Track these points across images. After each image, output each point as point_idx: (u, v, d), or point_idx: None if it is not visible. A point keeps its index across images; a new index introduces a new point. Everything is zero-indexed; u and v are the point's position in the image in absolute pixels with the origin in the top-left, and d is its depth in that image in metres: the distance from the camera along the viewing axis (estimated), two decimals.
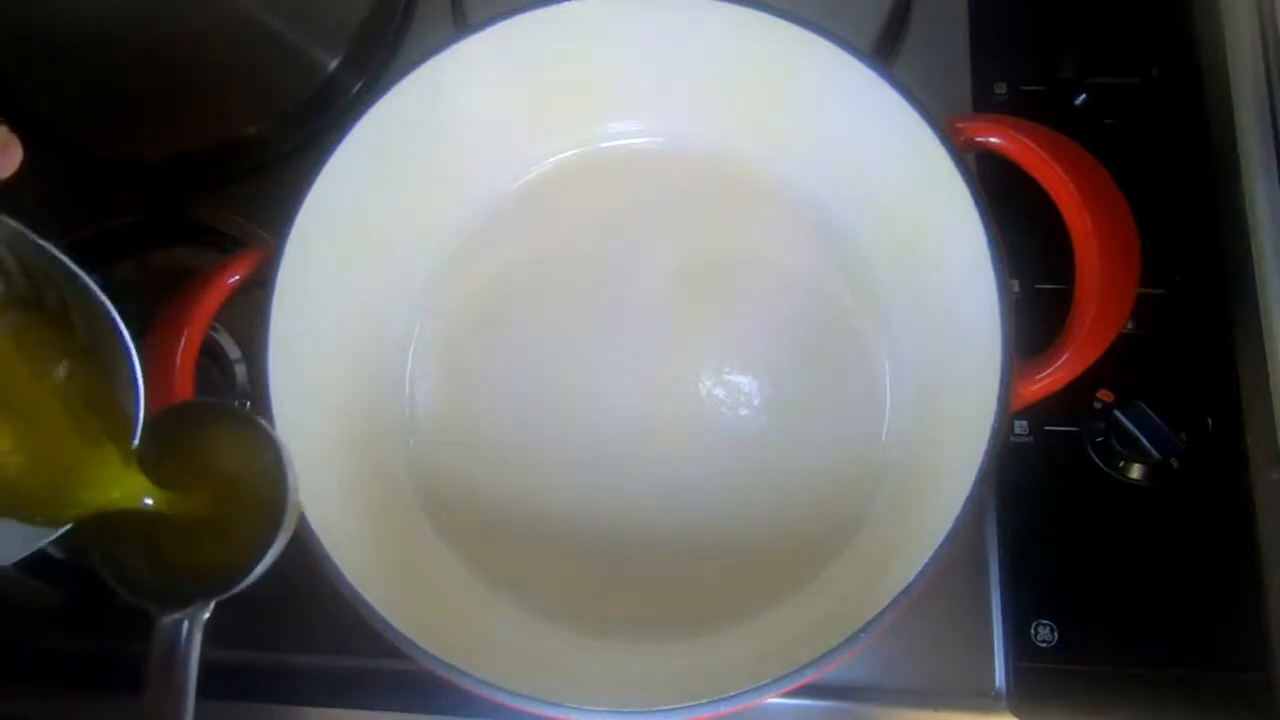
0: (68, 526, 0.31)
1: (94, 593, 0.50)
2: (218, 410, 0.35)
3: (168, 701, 0.31)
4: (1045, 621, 0.45)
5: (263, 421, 0.34)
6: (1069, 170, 0.41)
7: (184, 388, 0.42)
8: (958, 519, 0.37)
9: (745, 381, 0.49)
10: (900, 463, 0.46)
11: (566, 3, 0.46)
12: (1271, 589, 0.45)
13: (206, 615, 0.32)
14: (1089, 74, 0.53)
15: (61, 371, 0.31)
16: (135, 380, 0.31)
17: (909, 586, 0.37)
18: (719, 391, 0.49)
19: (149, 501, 0.32)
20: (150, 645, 0.32)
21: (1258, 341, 0.48)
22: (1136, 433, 0.46)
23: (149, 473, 0.32)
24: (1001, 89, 0.54)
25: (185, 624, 0.32)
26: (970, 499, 0.37)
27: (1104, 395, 0.47)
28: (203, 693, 0.46)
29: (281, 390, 0.42)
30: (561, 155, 0.53)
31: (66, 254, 0.34)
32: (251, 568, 0.32)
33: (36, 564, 0.52)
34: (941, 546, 0.37)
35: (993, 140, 0.43)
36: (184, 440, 0.33)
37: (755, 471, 0.48)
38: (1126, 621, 0.45)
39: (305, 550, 0.38)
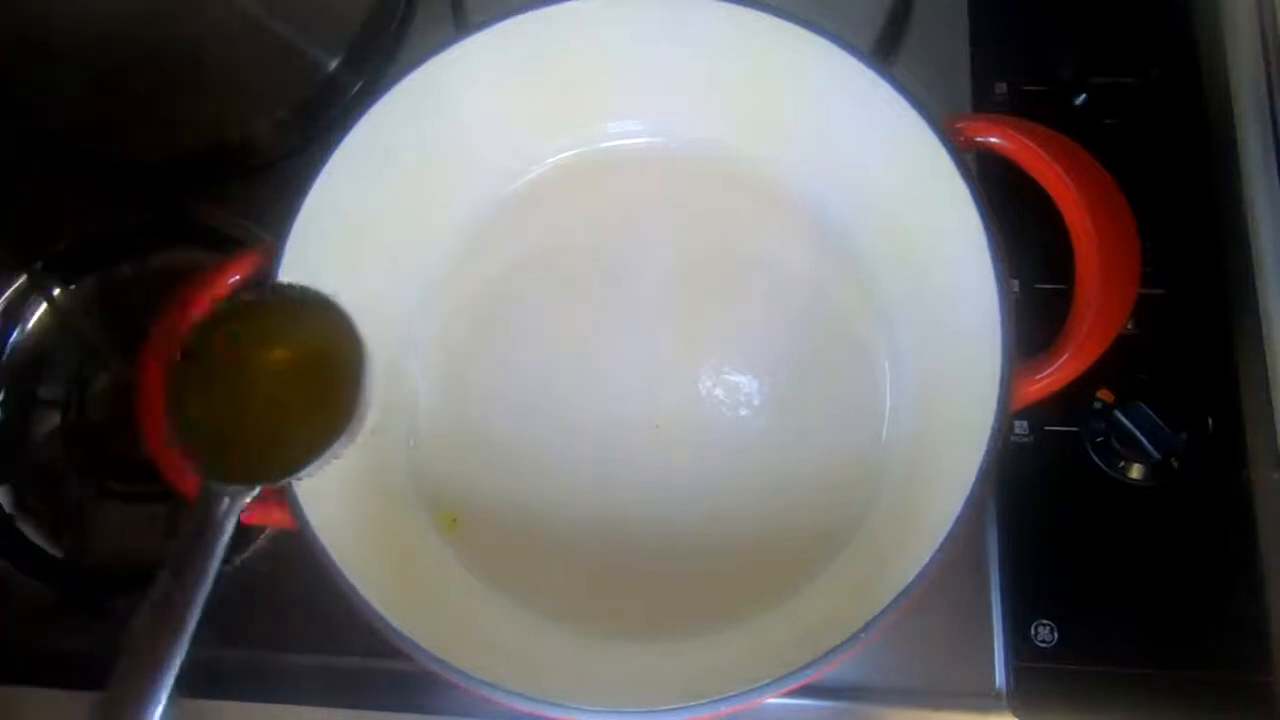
0: None
1: (89, 592, 0.51)
2: (307, 295, 0.34)
3: (189, 572, 0.31)
4: (1045, 621, 0.45)
5: (349, 314, 0.34)
6: (1069, 170, 0.41)
7: None
8: (958, 519, 0.37)
9: (745, 381, 0.49)
10: (900, 463, 0.46)
11: (566, 2, 0.46)
12: (1271, 589, 0.45)
13: (248, 499, 0.32)
14: (1089, 74, 0.53)
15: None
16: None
17: (909, 586, 0.37)
18: (719, 391, 0.49)
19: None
20: (189, 517, 0.32)
21: (1258, 341, 0.48)
22: (1136, 433, 0.46)
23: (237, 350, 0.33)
24: (1001, 89, 0.54)
25: (227, 500, 0.32)
26: (970, 499, 0.37)
27: (1104, 395, 0.47)
28: (203, 693, 0.47)
29: None
30: (561, 155, 0.53)
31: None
32: (317, 455, 0.33)
33: (33, 563, 0.52)
34: (941, 546, 0.37)
35: (993, 140, 0.43)
36: (274, 321, 0.34)
37: (755, 471, 0.48)
38: (1126, 621, 0.45)
39: (305, 550, 0.38)
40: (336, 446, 0.33)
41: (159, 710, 0.29)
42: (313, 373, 0.33)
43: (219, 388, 0.32)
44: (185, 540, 0.31)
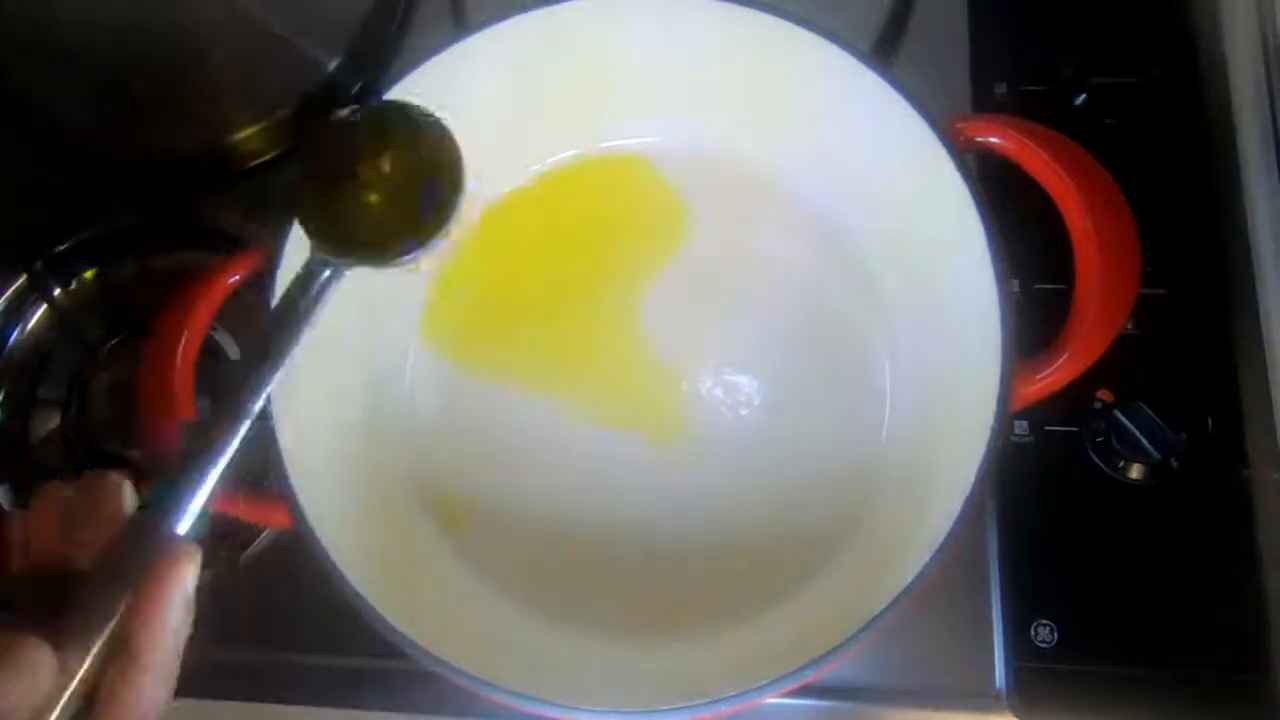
0: None
1: None
2: (410, 108, 0.39)
3: (283, 328, 0.34)
4: (1045, 621, 0.45)
5: (447, 126, 0.38)
6: (1069, 170, 0.41)
7: (184, 387, 0.42)
8: (958, 519, 0.37)
9: (745, 381, 0.49)
10: (900, 463, 0.46)
11: (566, 3, 0.46)
12: (1271, 589, 0.45)
13: (341, 278, 0.36)
14: (1089, 74, 0.53)
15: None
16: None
17: (909, 586, 0.37)
18: (719, 391, 0.49)
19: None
20: (292, 282, 0.35)
21: (1258, 341, 0.48)
22: (1136, 433, 0.46)
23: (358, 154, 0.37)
24: (1001, 89, 0.54)
25: (328, 271, 0.35)
26: (970, 499, 0.37)
27: (1104, 395, 0.47)
28: (204, 693, 0.47)
29: (281, 390, 0.42)
30: (561, 155, 0.53)
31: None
32: (426, 240, 0.37)
33: None
34: (941, 546, 0.37)
35: (993, 140, 0.43)
36: (387, 128, 0.38)
37: (755, 471, 0.48)
38: (1126, 621, 0.45)
39: (305, 550, 0.38)
40: (432, 241, 0.37)
41: (241, 432, 0.32)
42: (413, 175, 0.38)
43: (333, 185, 0.37)
44: (286, 300, 0.35)
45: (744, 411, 0.49)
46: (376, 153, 0.37)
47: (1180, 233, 0.50)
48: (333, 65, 0.58)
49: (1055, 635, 0.45)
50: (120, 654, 0.26)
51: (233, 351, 0.54)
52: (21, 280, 0.57)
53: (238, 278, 0.44)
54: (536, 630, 0.46)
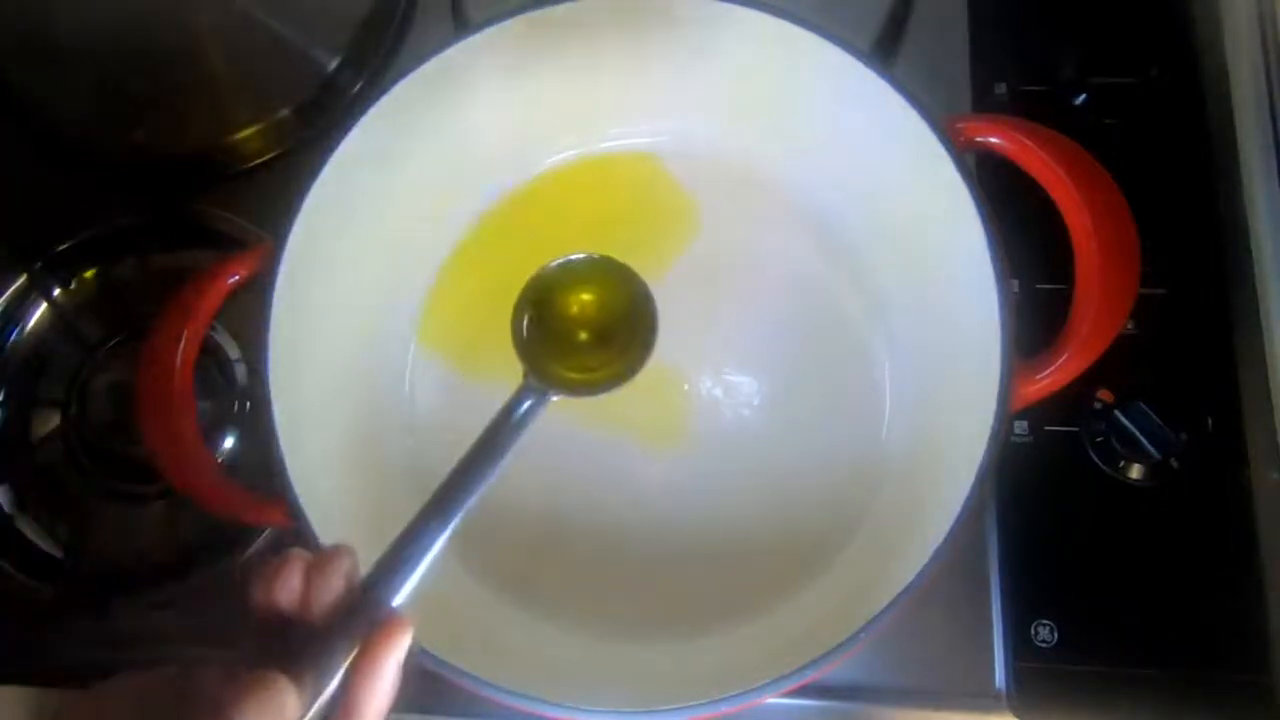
0: None
1: (89, 592, 0.51)
2: (614, 261, 0.42)
3: (485, 449, 0.37)
4: (1045, 621, 0.45)
5: (636, 272, 0.41)
6: (1069, 170, 0.41)
7: (184, 387, 0.42)
8: (958, 519, 0.37)
9: (745, 381, 0.49)
10: (900, 462, 0.46)
11: (566, 3, 0.46)
12: (1271, 589, 0.45)
13: (547, 404, 0.39)
14: (1089, 74, 0.53)
15: None
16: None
17: (909, 586, 0.37)
18: (719, 391, 0.49)
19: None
20: (505, 405, 0.38)
21: (1258, 341, 0.48)
22: (1136, 433, 0.46)
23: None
24: (1001, 89, 0.54)
25: (534, 396, 0.38)
26: (970, 499, 0.37)
27: (1104, 395, 0.47)
28: None
29: (281, 390, 0.42)
30: (561, 155, 0.53)
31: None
32: (627, 376, 0.40)
33: (33, 563, 0.53)
34: (941, 546, 0.37)
35: (993, 140, 0.43)
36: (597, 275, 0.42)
37: (755, 471, 0.48)
38: (1126, 621, 0.45)
39: (304, 549, 0.38)
40: (630, 375, 0.40)
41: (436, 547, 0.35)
42: (613, 317, 0.41)
43: (547, 324, 0.41)
44: (498, 419, 0.38)
45: (744, 411, 0.49)
46: (588, 294, 0.41)
47: (1180, 233, 0.50)
48: (333, 65, 0.58)
49: (1055, 635, 0.45)
50: (341, 704, 0.30)
51: (233, 351, 0.54)
52: (21, 280, 0.57)
53: (238, 278, 0.44)
54: (537, 630, 0.46)
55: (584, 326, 0.41)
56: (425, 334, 0.51)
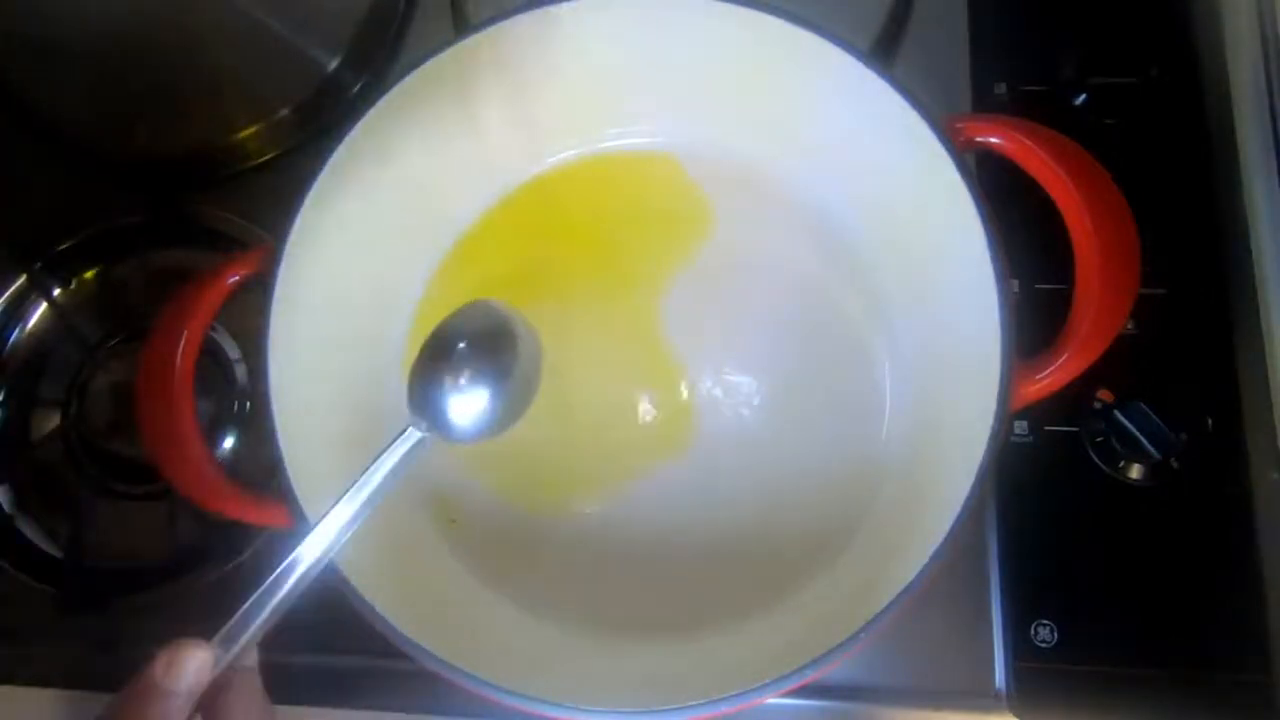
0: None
1: (89, 592, 0.51)
2: (502, 308, 0.44)
3: (378, 472, 0.39)
4: (1045, 621, 0.45)
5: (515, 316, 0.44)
6: (1069, 170, 0.41)
7: (184, 387, 0.42)
8: (958, 519, 0.37)
9: (745, 381, 0.49)
10: (900, 463, 0.46)
11: (566, 3, 0.46)
12: (1271, 589, 0.45)
13: (427, 447, 0.40)
14: (1089, 74, 0.53)
15: None
16: None
17: (909, 586, 0.37)
18: (719, 391, 0.49)
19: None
20: (390, 443, 0.40)
21: (1258, 341, 0.48)
22: (1136, 433, 0.46)
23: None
24: (1001, 89, 0.54)
25: (415, 438, 0.40)
26: (970, 499, 0.37)
27: (1104, 395, 0.47)
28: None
29: (281, 390, 0.42)
30: (561, 156, 0.53)
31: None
32: (505, 425, 0.42)
33: (33, 563, 0.52)
34: (941, 546, 0.37)
35: (993, 140, 0.43)
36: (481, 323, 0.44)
37: (755, 471, 0.48)
38: (1126, 621, 0.45)
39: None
40: (507, 423, 0.42)
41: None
42: (493, 359, 0.42)
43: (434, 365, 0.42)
44: (382, 450, 0.40)
45: (744, 411, 0.49)
46: (471, 339, 0.42)
47: (1180, 233, 0.50)
48: (333, 65, 0.58)
49: (1055, 635, 0.45)
50: None
51: (233, 351, 0.54)
52: (21, 280, 0.57)
53: (238, 278, 0.44)
54: (536, 630, 0.46)
55: (462, 370, 0.42)
56: (425, 332, 0.51)
